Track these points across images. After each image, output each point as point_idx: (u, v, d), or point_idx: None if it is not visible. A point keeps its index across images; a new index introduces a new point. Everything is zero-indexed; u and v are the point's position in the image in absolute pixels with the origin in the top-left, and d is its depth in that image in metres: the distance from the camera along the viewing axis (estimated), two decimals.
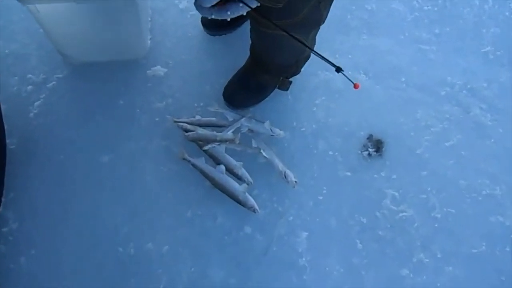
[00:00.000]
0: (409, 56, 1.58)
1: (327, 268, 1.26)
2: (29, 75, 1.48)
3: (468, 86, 1.53)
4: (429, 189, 1.36)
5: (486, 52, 1.59)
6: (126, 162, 1.38)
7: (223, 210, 1.32)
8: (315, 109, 1.47)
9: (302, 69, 1.39)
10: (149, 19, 1.56)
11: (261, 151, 1.36)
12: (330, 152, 1.41)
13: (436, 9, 1.67)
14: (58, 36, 1.36)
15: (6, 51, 1.52)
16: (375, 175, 1.38)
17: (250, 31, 1.21)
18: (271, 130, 1.39)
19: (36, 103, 1.44)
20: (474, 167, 1.40)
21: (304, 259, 1.27)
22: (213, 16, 0.83)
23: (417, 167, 1.39)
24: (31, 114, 1.42)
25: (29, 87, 1.46)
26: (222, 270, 1.25)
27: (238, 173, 1.33)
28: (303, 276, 1.25)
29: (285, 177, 1.33)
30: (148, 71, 1.49)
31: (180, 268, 1.24)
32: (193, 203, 1.32)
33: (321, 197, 1.34)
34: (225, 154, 1.35)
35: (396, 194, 1.35)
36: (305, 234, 1.29)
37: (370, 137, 1.43)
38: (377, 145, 1.42)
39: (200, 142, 1.37)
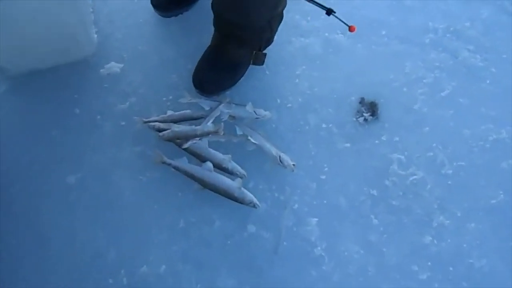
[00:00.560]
0: (385, 7, 1.46)
1: (345, 253, 1.14)
2: None
3: (451, 28, 1.43)
4: (434, 145, 1.26)
5: None
6: (97, 178, 1.19)
7: (220, 212, 1.16)
8: (297, 80, 1.33)
9: (275, 37, 1.24)
10: (91, 9, 1.35)
11: (249, 137, 1.20)
12: (324, 125, 1.27)
13: None
14: None
15: None
16: (376, 141, 1.26)
17: None
18: (254, 112, 1.23)
19: None
20: (475, 113, 1.31)
21: (319, 248, 1.14)
22: None
23: (417, 124, 1.29)
24: None
25: None
26: (233, 279, 1.10)
27: (228, 167, 1.17)
28: (322, 266, 1.12)
29: (281, 161, 1.18)
30: (101, 70, 1.30)
31: (184, 287, 1.09)
32: (184, 211, 1.16)
33: (323, 177, 1.21)
34: (209, 149, 1.19)
35: (402, 157, 1.24)
36: (314, 220, 1.16)
37: (362, 101, 1.31)
38: (372, 108, 1.30)
39: (178, 140, 1.19)
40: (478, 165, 1.24)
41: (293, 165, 1.18)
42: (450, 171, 1.23)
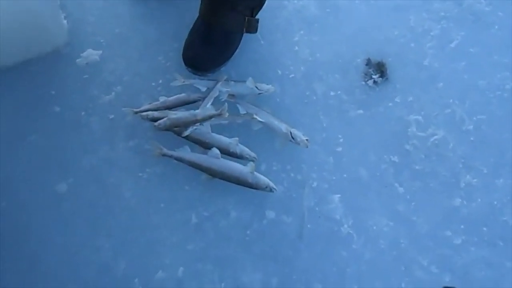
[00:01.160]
0: None
1: (374, 227, 1.06)
2: None
3: None
4: (451, 101, 1.18)
5: None
6: (91, 182, 1.06)
7: (234, 201, 1.06)
8: (296, 48, 1.21)
9: (266, 1, 1.12)
10: None
11: (254, 115, 1.09)
12: (332, 93, 1.17)
13: None
14: None
15: None
16: (390, 104, 1.16)
17: None
18: (256, 88, 1.11)
19: None
20: (488, 62, 1.22)
21: (346, 226, 1.05)
22: None
23: (430, 81, 1.20)
24: None
25: None
26: (258, 272, 1.00)
27: (237, 152, 1.06)
28: (352, 245, 1.04)
29: (293, 138, 1.07)
30: (78, 60, 1.14)
31: (207, 287, 0.99)
32: (194, 206, 1.05)
33: (340, 149, 1.12)
34: (213, 134, 1.07)
35: (420, 118, 1.15)
36: (337, 197, 1.07)
37: (369, 62, 1.20)
38: (380, 69, 1.20)
39: (176, 128, 1.07)
40: (499, 116, 1.17)
41: (306, 140, 1.08)
42: (471, 127, 1.15)
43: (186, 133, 1.06)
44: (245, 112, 1.10)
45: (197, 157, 1.05)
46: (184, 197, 1.05)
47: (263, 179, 1.04)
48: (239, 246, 1.02)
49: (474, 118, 1.16)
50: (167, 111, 1.08)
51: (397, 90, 1.18)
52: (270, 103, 1.14)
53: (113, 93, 1.13)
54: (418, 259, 1.03)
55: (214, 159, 1.04)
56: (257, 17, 1.13)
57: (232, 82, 1.12)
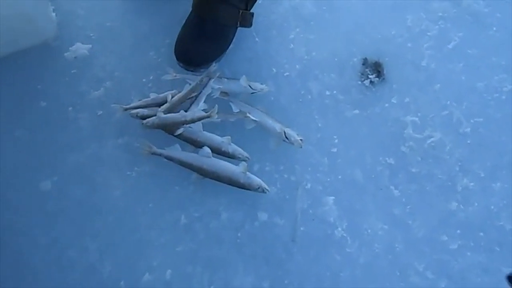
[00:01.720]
0: None
1: (369, 230, 1.03)
2: None
3: None
4: (448, 102, 1.15)
5: None
6: (77, 181, 1.03)
7: (225, 202, 1.03)
8: (292, 46, 1.18)
9: None
10: None
11: (247, 114, 1.06)
12: (327, 92, 1.14)
13: None
14: None
15: None
16: (386, 105, 1.14)
17: None
18: (250, 86, 1.08)
19: None
20: (486, 64, 1.20)
21: (340, 229, 1.02)
22: None
23: (427, 82, 1.17)
24: None
25: None
26: (250, 275, 0.98)
27: (229, 151, 1.03)
28: (346, 249, 1.01)
29: (287, 138, 1.05)
30: (66, 54, 1.11)
31: None
32: (184, 206, 1.02)
33: (335, 149, 1.09)
34: (204, 132, 1.04)
35: (416, 119, 1.13)
36: (331, 199, 1.04)
37: (365, 62, 1.18)
38: (377, 69, 1.17)
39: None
40: (497, 119, 1.15)
41: (301, 140, 1.05)
42: (468, 129, 1.13)
43: (179, 131, 1.03)
44: (238, 110, 1.07)
45: (188, 156, 1.02)
46: (174, 197, 1.02)
47: (256, 180, 1.01)
48: (230, 248, 0.99)
49: (472, 121, 1.14)
50: (157, 108, 1.04)
51: (393, 90, 1.16)
52: (264, 101, 1.11)
53: (102, 89, 1.09)
54: (413, 264, 1.01)
55: (205, 158, 1.01)
56: (252, 11, 1.11)
57: (225, 79, 1.09)
